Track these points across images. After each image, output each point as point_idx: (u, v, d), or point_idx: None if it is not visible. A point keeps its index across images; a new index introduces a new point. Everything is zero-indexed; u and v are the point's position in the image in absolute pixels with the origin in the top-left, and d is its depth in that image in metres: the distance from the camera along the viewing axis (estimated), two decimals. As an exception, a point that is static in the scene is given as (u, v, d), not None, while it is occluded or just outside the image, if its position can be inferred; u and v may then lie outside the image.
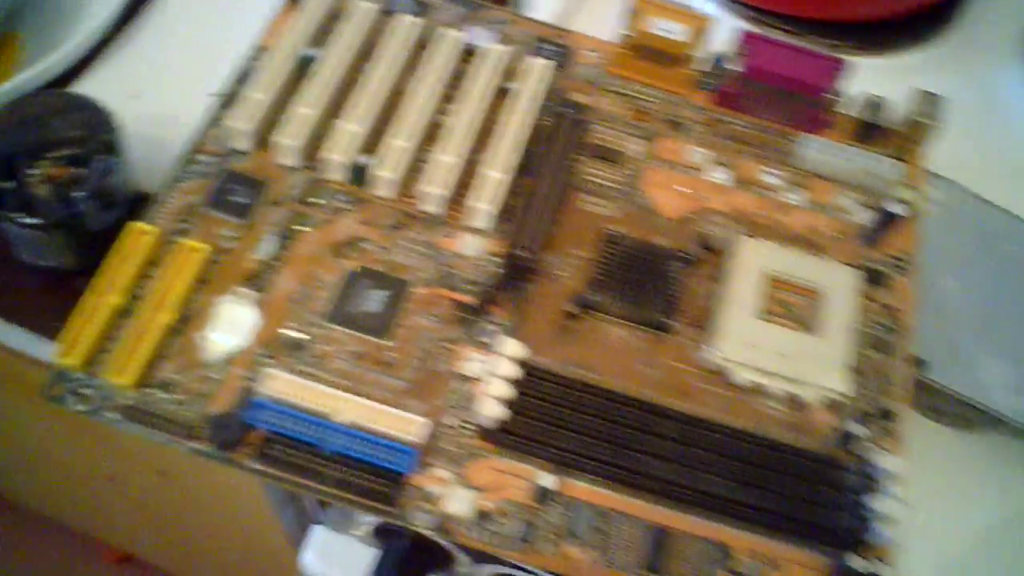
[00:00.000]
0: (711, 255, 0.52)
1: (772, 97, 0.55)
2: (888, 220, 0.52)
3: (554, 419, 0.45)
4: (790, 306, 0.50)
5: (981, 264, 0.56)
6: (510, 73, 0.54)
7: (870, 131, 0.56)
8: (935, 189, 0.57)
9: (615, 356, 0.48)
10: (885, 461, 0.45)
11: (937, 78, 0.64)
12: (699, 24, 0.55)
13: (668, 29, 0.54)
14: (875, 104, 0.56)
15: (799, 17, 0.67)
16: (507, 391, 0.44)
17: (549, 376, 0.46)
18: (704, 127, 0.56)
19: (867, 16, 0.67)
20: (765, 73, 0.54)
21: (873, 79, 0.63)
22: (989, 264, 0.56)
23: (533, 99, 0.53)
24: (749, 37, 0.55)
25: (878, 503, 0.44)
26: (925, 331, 0.52)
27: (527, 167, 0.51)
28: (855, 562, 0.43)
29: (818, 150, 0.54)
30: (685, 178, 0.54)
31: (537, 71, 0.54)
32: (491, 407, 0.43)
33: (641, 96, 0.56)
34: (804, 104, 0.55)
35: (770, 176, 0.54)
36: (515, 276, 0.49)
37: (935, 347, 0.52)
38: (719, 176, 0.54)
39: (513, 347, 0.45)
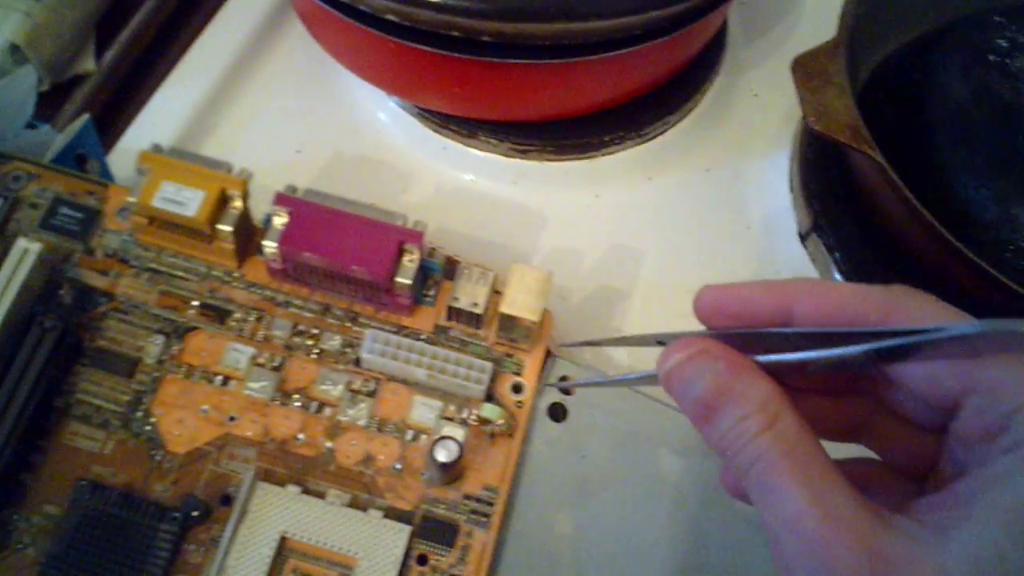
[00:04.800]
0: (224, 509, 0.39)
1: (331, 274, 0.42)
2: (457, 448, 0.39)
3: None
4: (311, 583, 0.38)
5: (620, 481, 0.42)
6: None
7: (473, 317, 0.43)
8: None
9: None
10: None
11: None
12: (227, 186, 0.41)
13: (179, 200, 0.41)
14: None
15: (486, 121, 0.52)
16: None
17: None
18: (252, 312, 0.43)
19: (559, 115, 0.52)
20: (299, 251, 0.40)
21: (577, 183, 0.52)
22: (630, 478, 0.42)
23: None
24: (284, 200, 0.41)
25: None
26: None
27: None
28: None
29: (381, 350, 0.41)
30: (211, 391, 0.41)
31: (14, 259, 0.41)
32: None
33: (176, 272, 0.43)
34: (373, 284, 0.41)
35: (328, 383, 0.41)
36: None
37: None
38: (257, 385, 0.41)
39: None
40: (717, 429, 0.24)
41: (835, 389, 0.26)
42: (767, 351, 0.24)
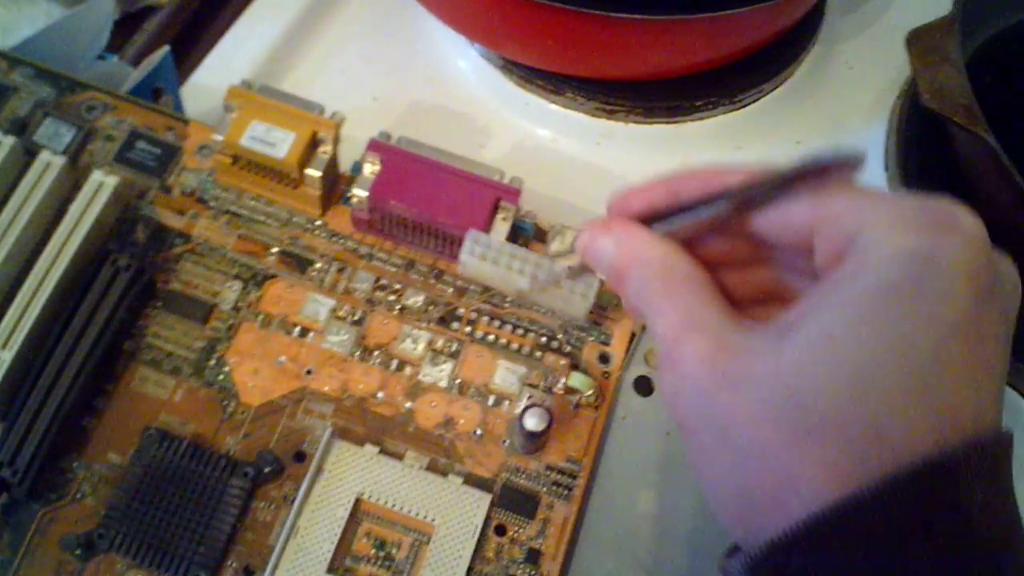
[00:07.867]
0: (297, 467, 0.38)
1: (418, 228, 0.40)
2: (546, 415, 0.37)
3: None
4: (386, 548, 0.37)
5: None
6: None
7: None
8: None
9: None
10: None
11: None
12: (318, 129, 0.39)
13: (269, 140, 0.39)
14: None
15: (574, 77, 0.50)
16: None
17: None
18: (333, 263, 0.41)
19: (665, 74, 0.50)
20: (390, 202, 0.38)
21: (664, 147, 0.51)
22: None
23: (71, 236, 0.39)
24: (377, 147, 0.39)
25: None
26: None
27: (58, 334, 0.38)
28: None
29: (482, 252, 0.38)
30: (288, 342, 0.40)
31: (88, 192, 0.39)
32: None
33: (257, 217, 0.41)
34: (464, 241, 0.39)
35: (409, 340, 0.40)
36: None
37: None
38: (337, 339, 0.39)
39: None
40: (628, 286, 0.27)
41: (743, 261, 0.29)
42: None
